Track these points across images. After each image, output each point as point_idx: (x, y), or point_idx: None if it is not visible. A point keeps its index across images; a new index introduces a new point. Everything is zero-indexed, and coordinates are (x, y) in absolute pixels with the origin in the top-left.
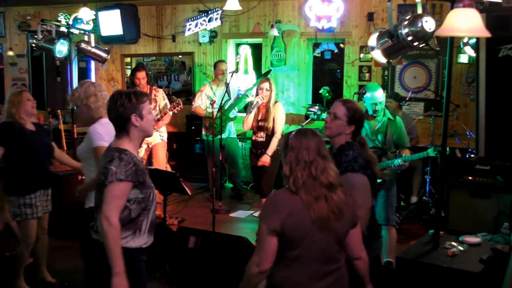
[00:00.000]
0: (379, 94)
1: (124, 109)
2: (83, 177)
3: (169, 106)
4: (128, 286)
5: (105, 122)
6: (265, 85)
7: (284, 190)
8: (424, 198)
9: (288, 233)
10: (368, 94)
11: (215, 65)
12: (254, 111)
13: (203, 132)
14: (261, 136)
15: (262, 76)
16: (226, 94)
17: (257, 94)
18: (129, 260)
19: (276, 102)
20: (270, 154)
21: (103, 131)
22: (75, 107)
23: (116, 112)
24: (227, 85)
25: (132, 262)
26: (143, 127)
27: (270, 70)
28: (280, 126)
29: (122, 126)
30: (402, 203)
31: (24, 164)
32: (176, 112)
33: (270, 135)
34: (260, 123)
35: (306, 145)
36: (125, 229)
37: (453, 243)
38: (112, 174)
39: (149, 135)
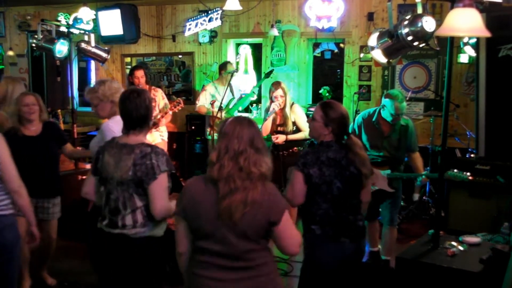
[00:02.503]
0: (403, 106)
1: (147, 109)
2: (83, 177)
3: (168, 105)
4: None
5: (119, 119)
6: (279, 92)
7: (201, 178)
8: (424, 198)
9: (190, 221)
10: (389, 103)
11: (224, 66)
12: (271, 118)
13: (207, 131)
14: (281, 140)
15: (264, 76)
16: (231, 93)
17: (271, 101)
18: (155, 250)
19: (293, 104)
20: (289, 138)
21: (117, 129)
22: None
23: (147, 110)
24: (229, 84)
25: (157, 252)
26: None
27: (273, 70)
28: (304, 124)
29: (144, 122)
30: (402, 203)
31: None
32: (176, 111)
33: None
34: (278, 128)
35: (239, 134)
36: (152, 220)
37: (453, 243)
38: (155, 167)
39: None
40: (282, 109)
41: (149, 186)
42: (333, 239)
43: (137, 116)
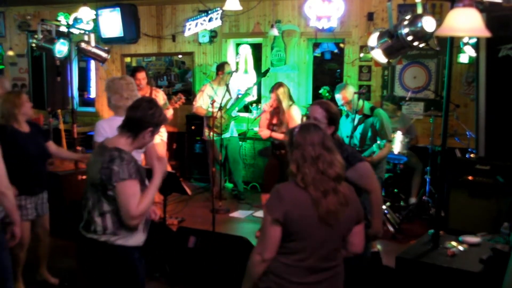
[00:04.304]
0: (337, 96)
1: (152, 118)
2: (83, 177)
3: (168, 104)
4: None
5: (113, 118)
6: (272, 96)
7: (291, 184)
8: (424, 198)
9: (291, 225)
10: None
11: (222, 66)
12: (262, 117)
13: (206, 132)
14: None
15: (260, 75)
16: (228, 94)
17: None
18: (127, 259)
19: (291, 105)
20: (272, 135)
21: (107, 128)
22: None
23: (143, 115)
24: (227, 84)
25: (129, 260)
26: (146, 142)
27: (269, 69)
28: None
29: (135, 129)
30: (402, 203)
31: (15, 167)
32: (178, 106)
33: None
34: (274, 128)
35: (311, 140)
36: (123, 228)
37: (453, 243)
38: (115, 174)
39: (141, 148)
40: (278, 111)
41: (114, 193)
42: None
43: (129, 116)
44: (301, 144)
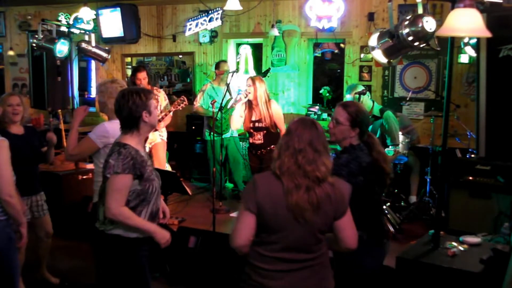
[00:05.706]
0: (347, 97)
1: (136, 107)
2: (83, 177)
3: (170, 107)
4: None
5: (115, 122)
6: (248, 81)
7: (268, 173)
8: (424, 198)
9: (263, 214)
10: None
11: (218, 65)
12: (238, 108)
13: (206, 132)
14: (258, 139)
15: (261, 75)
16: (228, 94)
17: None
18: (129, 251)
19: (269, 100)
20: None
21: (110, 131)
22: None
23: (129, 110)
24: (227, 84)
25: (131, 253)
26: (152, 122)
27: (269, 69)
28: (282, 124)
29: (132, 123)
30: (402, 203)
31: None
32: (181, 109)
33: (268, 134)
34: (256, 124)
35: (300, 133)
36: None
37: (453, 243)
38: (110, 167)
39: (155, 128)
40: (257, 104)
41: (106, 185)
42: (378, 244)
43: (120, 118)
44: (290, 132)
